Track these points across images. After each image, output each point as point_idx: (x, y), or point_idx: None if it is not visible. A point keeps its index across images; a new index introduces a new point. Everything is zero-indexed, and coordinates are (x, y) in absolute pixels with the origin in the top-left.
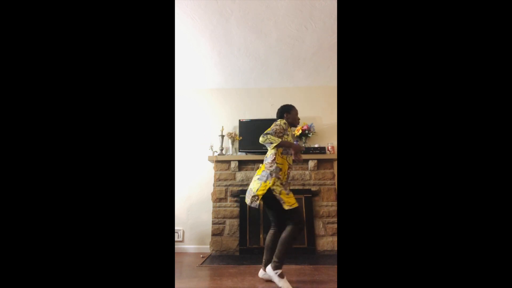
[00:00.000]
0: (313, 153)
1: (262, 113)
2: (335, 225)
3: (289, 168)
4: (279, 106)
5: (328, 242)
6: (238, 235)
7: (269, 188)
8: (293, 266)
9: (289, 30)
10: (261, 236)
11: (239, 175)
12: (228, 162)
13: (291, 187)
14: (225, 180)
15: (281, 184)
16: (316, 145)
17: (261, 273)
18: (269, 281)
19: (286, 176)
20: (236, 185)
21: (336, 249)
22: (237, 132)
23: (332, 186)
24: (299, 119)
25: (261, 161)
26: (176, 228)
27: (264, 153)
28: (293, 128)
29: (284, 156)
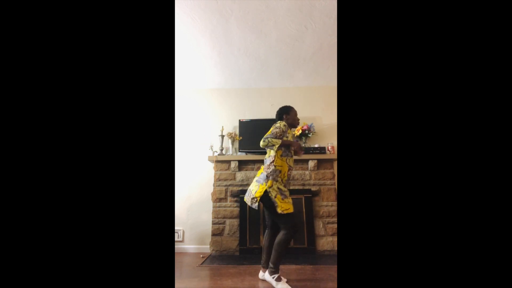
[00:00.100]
0: (313, 153)
1: (262, 113)
2: (335, 225)
3: (289, 169)
4: (279, 106)
5: (328, 242)
6: (238, 235)
7: (266, 190)
8: (293, 266)
9: (289, 30)
10: (261, 236)
11: (239, 175)
12: (228, 162)
13: (291, 187)
14: (225, 180)
15: (278, 188)
16: (316, 145)
17: (261, 274)
18: None
19: (286, 178)
20: (236, 185)
21: (336, 249)
22: (237, 132)
23: (332, 186)
24: (298, 119)
25: (261, 161)
26: (176, 228)
27: (265, 153)
28: (293, 129)
29: (284, 158)
